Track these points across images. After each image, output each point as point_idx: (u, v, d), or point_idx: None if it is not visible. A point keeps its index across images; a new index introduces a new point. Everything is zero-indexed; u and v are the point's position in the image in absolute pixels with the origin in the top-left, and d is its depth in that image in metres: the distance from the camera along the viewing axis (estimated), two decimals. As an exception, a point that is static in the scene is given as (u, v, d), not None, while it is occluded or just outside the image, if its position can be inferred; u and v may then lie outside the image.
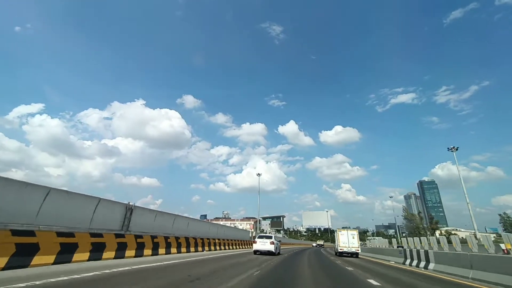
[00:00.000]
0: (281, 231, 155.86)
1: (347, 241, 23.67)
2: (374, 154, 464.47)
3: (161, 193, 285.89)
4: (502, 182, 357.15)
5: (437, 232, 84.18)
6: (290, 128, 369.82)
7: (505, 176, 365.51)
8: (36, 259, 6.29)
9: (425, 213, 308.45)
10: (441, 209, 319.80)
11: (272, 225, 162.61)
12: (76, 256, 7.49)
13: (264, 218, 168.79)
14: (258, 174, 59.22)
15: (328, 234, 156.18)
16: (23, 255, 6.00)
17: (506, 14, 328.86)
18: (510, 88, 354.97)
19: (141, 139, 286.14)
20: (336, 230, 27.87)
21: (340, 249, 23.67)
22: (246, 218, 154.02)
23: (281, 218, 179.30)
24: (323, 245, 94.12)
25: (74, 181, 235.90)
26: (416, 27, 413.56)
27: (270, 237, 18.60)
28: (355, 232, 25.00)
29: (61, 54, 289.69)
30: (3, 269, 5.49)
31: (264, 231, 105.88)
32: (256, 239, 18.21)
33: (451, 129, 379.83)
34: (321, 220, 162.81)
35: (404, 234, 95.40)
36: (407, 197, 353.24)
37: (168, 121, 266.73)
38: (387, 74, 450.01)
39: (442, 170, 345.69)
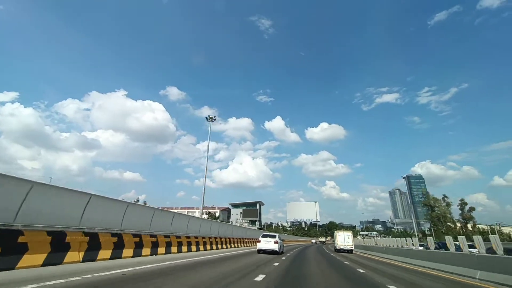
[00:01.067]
0: (256, 222, 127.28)
1: (344, 240, 29.80)
2: (358, 152, 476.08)
3: (144, 188, 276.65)
4: (475, 181, 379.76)
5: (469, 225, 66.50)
6: (276, 124, 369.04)
7: (479, 175, 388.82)
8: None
9: (413, 208, 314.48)
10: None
11: (245, 214, 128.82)
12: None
13: (236, 206, 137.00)
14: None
15: (316, 229, 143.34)
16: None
17: (486, 18, 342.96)
18: (486, 91, 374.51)
19: (123, 132, 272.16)
20: (334, 232, 34.52)
21: (338, 247, 29.83)
22: (205, 207, 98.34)
23: (257, 205, 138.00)
24: (325, 242, 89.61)
25: (51, 175, 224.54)
26: (402, 27, 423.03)
27: (274, 236, 18.56)
28: (350, 233, 31.31)
29: (36, 40, 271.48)
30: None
31: (234, 222, 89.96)
32: (260, 238, 18.20)
33: (431, 129, 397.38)
34: (308, 212, 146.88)
35: (423, 227, 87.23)
36: (392, 193, 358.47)
37: (151, 114, 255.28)
38: (373, 73, 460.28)
39: (422, 169, 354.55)
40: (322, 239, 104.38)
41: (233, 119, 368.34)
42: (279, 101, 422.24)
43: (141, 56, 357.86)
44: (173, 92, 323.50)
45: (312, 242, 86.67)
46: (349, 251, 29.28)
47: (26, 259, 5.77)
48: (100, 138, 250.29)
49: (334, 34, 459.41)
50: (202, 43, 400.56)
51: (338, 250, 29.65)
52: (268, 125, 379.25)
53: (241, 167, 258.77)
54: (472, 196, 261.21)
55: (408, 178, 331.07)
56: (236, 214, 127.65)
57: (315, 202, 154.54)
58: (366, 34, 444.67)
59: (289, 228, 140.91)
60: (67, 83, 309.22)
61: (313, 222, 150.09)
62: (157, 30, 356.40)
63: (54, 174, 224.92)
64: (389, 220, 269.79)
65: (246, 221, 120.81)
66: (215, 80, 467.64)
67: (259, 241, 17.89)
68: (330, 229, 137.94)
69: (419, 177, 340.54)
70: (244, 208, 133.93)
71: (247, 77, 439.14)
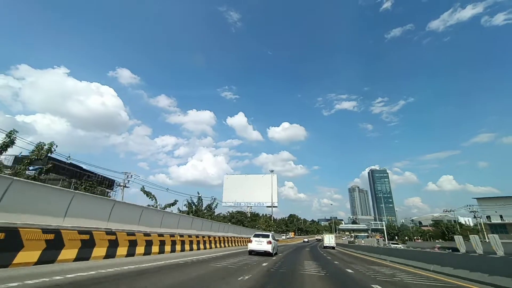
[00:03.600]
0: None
1: (329, 240, 43.50)
2: (316, 154, 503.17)
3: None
4: (415, 185, 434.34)
5: None
6: (239, 120, 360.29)
7: (418, 181, 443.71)
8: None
9: (375, 204, 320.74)
10: (390, 200, 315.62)
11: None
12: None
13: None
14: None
15: (272, 220, 74.69)
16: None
17: (433, 39, 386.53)
18: (427, 107, 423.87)
19: (62, 116, 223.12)
20: (323, 234, 56.03)
21: (325, 245, 43.20)
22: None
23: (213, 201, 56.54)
24: (334, 247, 57.25)
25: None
26: (363, 39, 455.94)
27: (267, 236, 16.82)
28: (333, 235, 47.77)
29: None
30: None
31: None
32: (252, 238, 16.57)
33: (381, 137, 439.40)
34: (260, 194, 77.20)
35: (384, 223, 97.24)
36: (351, 190, 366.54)
37: (99, 98, 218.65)
38: (334, 80, 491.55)
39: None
40: (318, 236, 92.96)
41: (194, 111, 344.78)
42: (244, 99, 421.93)
43: (88, 30, 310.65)
44: (124, 75, 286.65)
45: (304, 241, 76.82)
46: (333, 247, 41.46)
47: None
48: (37, 123, 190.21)
49: (301, 39, 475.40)
50: (162, 23, 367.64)
51: (326, 247, 41.26)
52: (230, 121, 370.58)
53: (200, 164, 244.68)
54: (409, 199, 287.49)
55: (372, 173, 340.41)
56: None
57: (272, 171, 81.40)
58: (330, 42, 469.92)
59: (227, 215, 64.50)
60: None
61: (267, 206, 77.93)
62: (111, 6, 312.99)
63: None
64: (350, 217, 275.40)
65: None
66: (176, 67, 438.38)
67: (250, 241, 16.36)
68: (292, 222, 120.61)
69: (383, 171, 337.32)
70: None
71: (212, 70, 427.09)
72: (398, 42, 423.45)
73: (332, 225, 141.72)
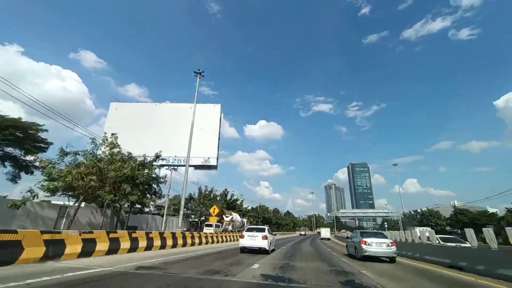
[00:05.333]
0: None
1: (325, 233, 53.20)
2: (293, 154, 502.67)
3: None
4: (383, 187, 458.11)
5: None
6: None
7: (386, 183, 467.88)
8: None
9: (354, 200, 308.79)
10: (370, 196, 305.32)
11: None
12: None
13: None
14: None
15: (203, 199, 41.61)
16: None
17: (405, 47, 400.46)
18: (397, 113, 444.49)
19: (11, 100, 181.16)
20: (321, 228, 73.71)
21: (322, 237, 52.71)
22: None
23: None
24: (329, 238, 50.55)
25: None
26: (343, 41, 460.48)
27: (262, 230, 14.49)
28: (328, 229, 59.22)
29: None
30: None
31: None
32: (244, 233, 14.30)
33: (355, 140, 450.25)
34: (184, 141, 24.55)
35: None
36: (327, 188, 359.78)
37: (59, 82, 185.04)
38: (313, 81, 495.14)
39: (343, 175, 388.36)
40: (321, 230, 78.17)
41: (167, 104, 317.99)
42: (222, 95, 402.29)
43: (49, 6, 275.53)
44: (89, 58, 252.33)
45: (300, 234, 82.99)
46: (328, 239, 49.80)
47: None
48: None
49: (282, 39, 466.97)
50: (136, 7, 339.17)
51: (322, 239, 49.02)
52: None
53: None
54: (377, 201, 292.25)
55: (352, 166, 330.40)
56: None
57: (216, 104, 36.08)
58: (310, 44, 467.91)
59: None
60: None
61: (202, 163, 31.25)
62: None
63: None
64: (327, 215, 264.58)
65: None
66: (148, 56, 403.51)
67: (242, 236, 14.15)
68: (264, 217, 78.26)
69: (364, 165, 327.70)
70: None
71: (190, 62, 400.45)
72: (374, 48, 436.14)
73: (313, 219, 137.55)
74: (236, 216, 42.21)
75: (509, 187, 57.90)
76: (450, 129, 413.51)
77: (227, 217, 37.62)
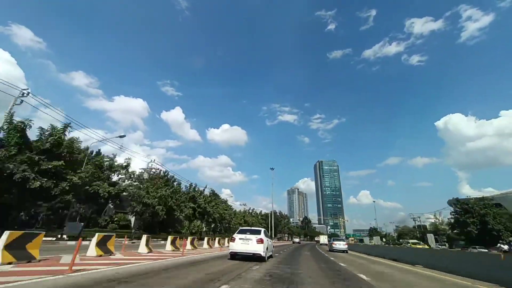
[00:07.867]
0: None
1: (324, 240, 68.47)
2: (255, 162, 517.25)
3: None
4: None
5: None
6: (175, 115, 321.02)
7: (342, 194, 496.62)
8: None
9: (321, 203, 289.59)
10: (339, 199, 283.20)
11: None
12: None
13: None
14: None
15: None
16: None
17: (365, 66, 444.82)
18: (355, 128, 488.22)
19: None
20: (320, 235, 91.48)
21: (321, 242, 67.00)
22: None
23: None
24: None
25: None
26: (309, 54, 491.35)
27: (257, 232, 11.92)
28: (326, 236, 78.40)
29: None
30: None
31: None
32: (235, 235, 11.76)
33: (316, 152, 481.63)
34: None
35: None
36: (290, 192, 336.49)
37: None
38: (280, 91, 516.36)
39: (303, 184, 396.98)
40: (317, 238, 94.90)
41: (121, 98, 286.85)
42: (186, 97, 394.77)
43: None
44: (23, 35, 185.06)
45: (294, 242, 73.10)
46: (326, 244, 54.11)
47: None
48: None
49: (251, 45, 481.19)
50: None
51: (320, 245, 57.76)
52: (165, 115, 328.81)
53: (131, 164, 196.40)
54: (346, 204, 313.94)
55: (320, 164, 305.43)
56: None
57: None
58: (279, 53, 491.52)
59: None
60: None
61: None
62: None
63: None
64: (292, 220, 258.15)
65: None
66: (103, 45, 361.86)
67: (233, 240, 11.66)
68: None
69: (333, 163, 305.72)
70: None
71: (152, 59, 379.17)
72: (337, 64, 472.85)
73: (271, 218, 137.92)
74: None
75: (444, 200, 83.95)
76: (398, 146, 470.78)
77: None
